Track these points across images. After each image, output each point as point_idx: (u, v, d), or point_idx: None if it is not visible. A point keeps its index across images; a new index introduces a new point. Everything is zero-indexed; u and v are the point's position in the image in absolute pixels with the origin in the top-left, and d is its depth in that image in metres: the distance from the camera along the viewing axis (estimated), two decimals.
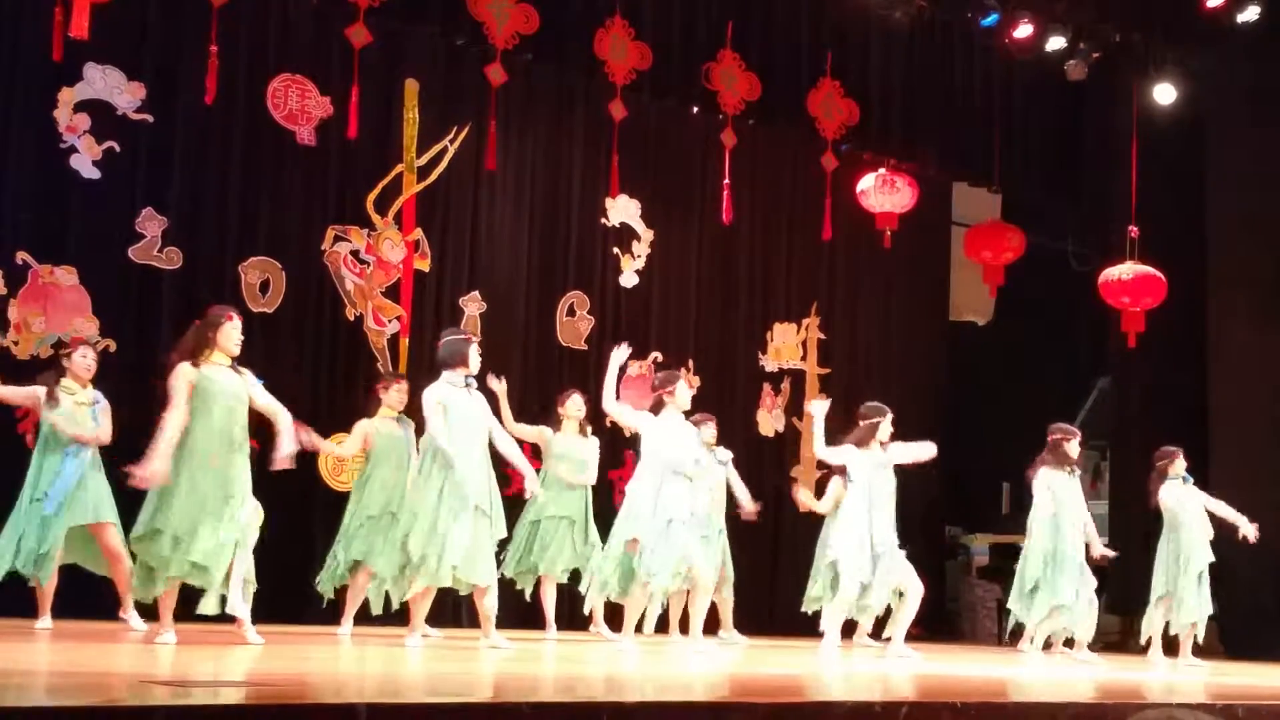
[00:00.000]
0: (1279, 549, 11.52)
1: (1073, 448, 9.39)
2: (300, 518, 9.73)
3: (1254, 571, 10.99)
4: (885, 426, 8.56)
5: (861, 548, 8.32)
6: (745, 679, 6.05)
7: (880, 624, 9.37)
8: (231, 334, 6.82)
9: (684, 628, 9.11)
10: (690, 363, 11.84)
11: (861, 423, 8.61)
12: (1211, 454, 11.59)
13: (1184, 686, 6.88)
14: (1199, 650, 9.84)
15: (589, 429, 9.47)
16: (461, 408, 7.24)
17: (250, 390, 6.84)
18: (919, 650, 8.64)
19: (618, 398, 8.08)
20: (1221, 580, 9.87)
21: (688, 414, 8.32)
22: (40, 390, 7.82)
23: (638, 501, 7.92)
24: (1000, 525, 13.71)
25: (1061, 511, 9.29)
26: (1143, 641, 9.91)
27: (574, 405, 9.39)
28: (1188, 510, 9.71)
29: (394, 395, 8.56)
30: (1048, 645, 9.58)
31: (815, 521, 12.33)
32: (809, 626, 9.91)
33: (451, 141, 10.85)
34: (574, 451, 9.28)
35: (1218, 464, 10.51)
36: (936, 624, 11.47)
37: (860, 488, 8.46)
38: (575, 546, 9.10)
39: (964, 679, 6.65)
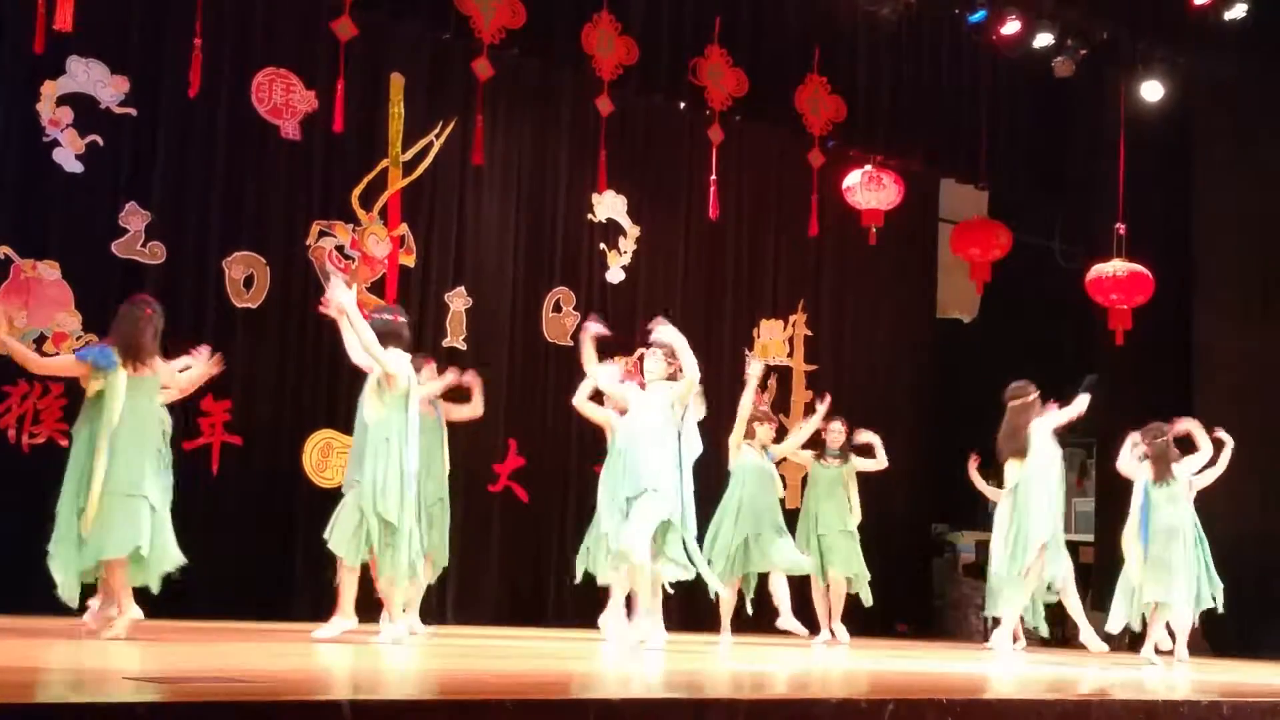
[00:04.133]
0: (1263, 546, 11.55)
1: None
2: (284, 512, 9.71)
3: (1239, 569, 10.98)
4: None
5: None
6: (733, 676, 6.04)
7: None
8: None
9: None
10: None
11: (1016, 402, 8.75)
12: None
13: (1169, 684, 6.87)
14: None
15: None
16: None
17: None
18: (912, 647, 8.63)
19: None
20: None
21: None
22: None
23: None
24: (987, 522, 13.65)
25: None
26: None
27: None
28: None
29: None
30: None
31: (798, 520, 12.29)
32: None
33: (437, 136, 10.81)
34: None
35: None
36: (922, 621, 11.46)
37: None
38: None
39: (950, 676, 6.64)
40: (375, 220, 10.50)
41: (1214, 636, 10.90)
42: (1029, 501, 8.78)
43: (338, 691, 4.20)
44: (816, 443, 10.19)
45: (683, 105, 11.77)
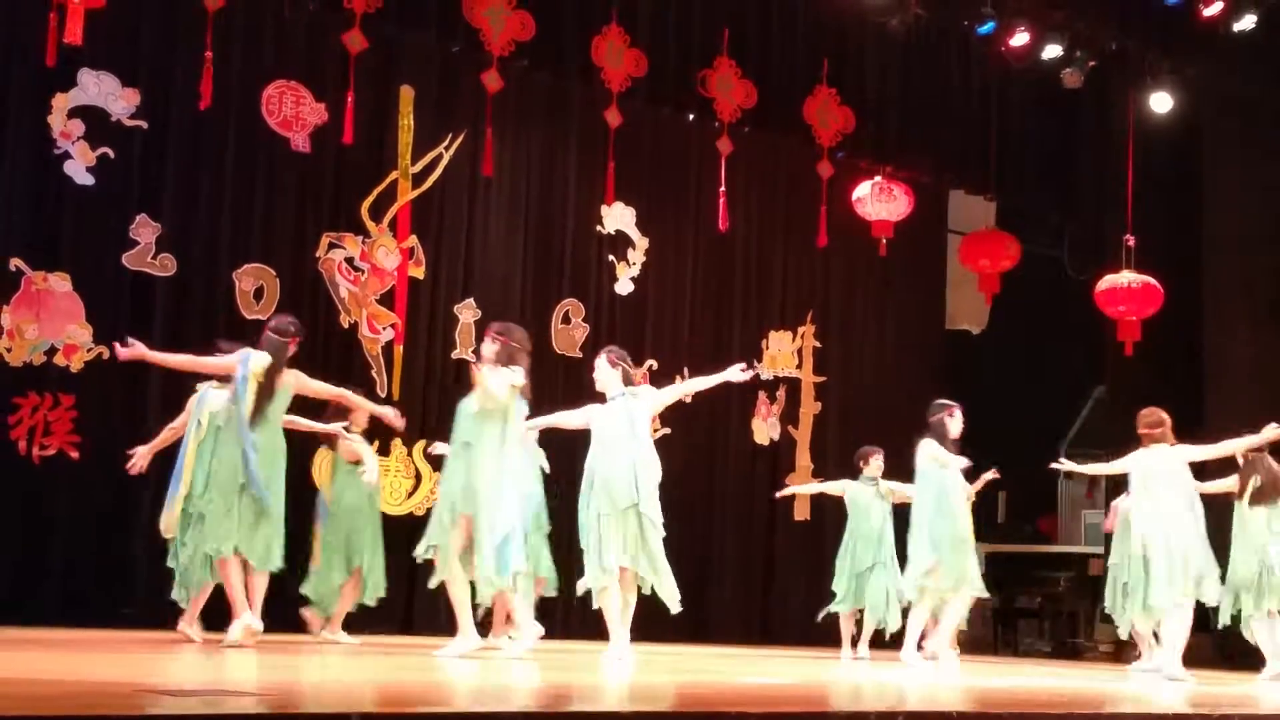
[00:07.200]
0: None
1: None
2: (294, 525, 9.69)
3: None
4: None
5: None
6: (741, 688, 6.03)
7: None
8: None
9: None
10: (685, 370, 11.81)
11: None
12: (1206, 463, 11.57)
13: (1178, 697, 6.85)
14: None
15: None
16: None
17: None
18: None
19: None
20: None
21: None
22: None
23: None
24: (997, 534, 13.66)
25: None
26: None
27: (876, 465, 10.00)
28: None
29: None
30: None
31: (805, 531, 12.29)
32: (803, 635, 9.87)
33: (447, 148, 10.83)
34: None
35: (1212, 473, 10.48)
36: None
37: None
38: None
39: (960, 689, 6.62)
40: (385, 232, 10.52)
41: (1225, 647, 10.87)
42: None
43: (347, 705, 4.20)
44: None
45: (691, 117, 11.78)
